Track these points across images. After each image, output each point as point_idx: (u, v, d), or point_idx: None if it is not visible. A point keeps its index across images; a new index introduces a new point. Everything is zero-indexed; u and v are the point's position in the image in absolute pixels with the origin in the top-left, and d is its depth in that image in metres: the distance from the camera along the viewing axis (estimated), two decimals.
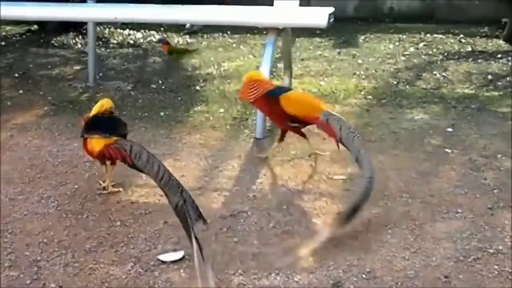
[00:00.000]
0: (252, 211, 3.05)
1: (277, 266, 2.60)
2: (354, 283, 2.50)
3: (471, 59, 5.89)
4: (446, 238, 2.85)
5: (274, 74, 5.19)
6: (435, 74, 5.46)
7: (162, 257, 2.64)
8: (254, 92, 3.52)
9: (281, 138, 3.66)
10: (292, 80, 5.02)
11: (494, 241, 2.82)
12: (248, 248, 2.73)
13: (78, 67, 5.44)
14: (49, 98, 4.66)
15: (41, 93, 4.77)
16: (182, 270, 2.57)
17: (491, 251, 2.75)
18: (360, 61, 5.89)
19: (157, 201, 3.11)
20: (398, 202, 3.17)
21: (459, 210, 3.10)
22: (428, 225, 2.96)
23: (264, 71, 3.93)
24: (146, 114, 4.37)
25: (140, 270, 2.57)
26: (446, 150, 3.85)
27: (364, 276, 2.55)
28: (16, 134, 3.98)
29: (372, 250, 2.74)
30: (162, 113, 4.40)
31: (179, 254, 2.65)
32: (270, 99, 3.51)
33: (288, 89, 3.92)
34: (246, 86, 3.56)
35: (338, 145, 3.32)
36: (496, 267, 2.63)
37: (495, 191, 3.30)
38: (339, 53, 6.20)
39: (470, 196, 3.24)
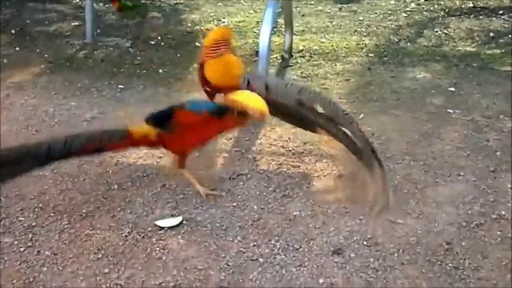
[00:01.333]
0: (251, 173, 2.95)
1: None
2: (355, 250, 2.42)
3: (472, 15, 5.70)
4: (448, 202, 2.76)
5: (275, 30, 5.01)
6: (437, 31, 5.29)
7: (160, 222, 2.55)
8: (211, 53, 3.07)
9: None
10: (293, 37, 4.84)
11: (496, 205, 2.74)
12: (247, 213, 2.62)
13: (76, 23, 5.25)
14: (46, 55, 4.50)
15: (38, 50, 4.60)
16: (179, 236, 2.49)
17: (494, 216, 2.66)
18: (361, 18, 5.70)
19: (155, 163, 3.01)
20: (400, 165, 3.07)
21: (461, 173, 3.00)
22: (430, 188, 2.87)
23: (265, 32, 3.75)
24: (144, 71, 4.22)
25: (137, 236, 2.48)
26: (448, 110, 3.73)
27: (365, 242, 2.47)
28: (12, 93, 3.84)
29: (373, 215, 2.65)
30: (161, 71, 4.26)
31: (177, 220, 2.56)
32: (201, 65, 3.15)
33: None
34: (209, 45, 3.10)
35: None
36: (498, 233, 2.55)
37: (498, 153, 3.20)
38: (340, 9, 6.00)
39: (473, 158, 3.14)
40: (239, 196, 2.75)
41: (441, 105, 3.82)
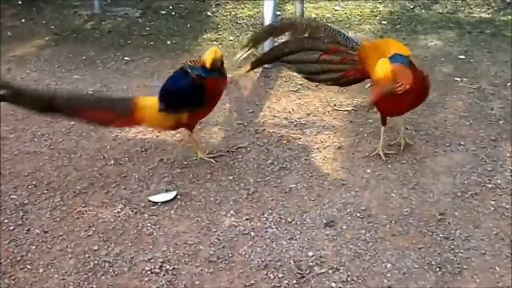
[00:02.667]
0: (251, 146, 2.98)
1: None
2: (347, 222, 2.46)
3: None
4: (446, 172, 2.77)
5: None
6: None
7: (153, 198, 2.59)
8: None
9: None
10: (307, 4, 4.83)
11: (493, 175, 2.74)
12: (243, 187, 2.67)
13: None
14: (52, 27, 4.54)
15: (44, 21, 4.65)
16: (172, 212, 2.54)
17: (490, 185, 2.67)
18: None
19: (155, 137, 3.05)
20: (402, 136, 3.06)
21: (462, 143, 3.00)
22: (429, 159, 2.87)
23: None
24: (152, 43, 4.26)
25: (130, 212, 2.53)
26: (456, 78, 3.70)
27: (358, 214, 2.50)
28: (15, 66, 3.89)
29: (370, 186, 2.68)
30: (169, 42, 4.28)
31: (170, 195, 2.61)
32: None
33: None
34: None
35: None
36: (493, 202, 2.57)
37: (501, 121, 3.19)
38: None
39: (475, 127, 3.13)
40: (237, 170, 2.79)
41: (450, 73, 3.79)
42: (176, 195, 2.62)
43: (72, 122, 3.17)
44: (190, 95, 2.67)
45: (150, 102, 2.69)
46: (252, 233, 2.40)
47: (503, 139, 3.03)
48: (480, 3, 5.04)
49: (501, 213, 2.50)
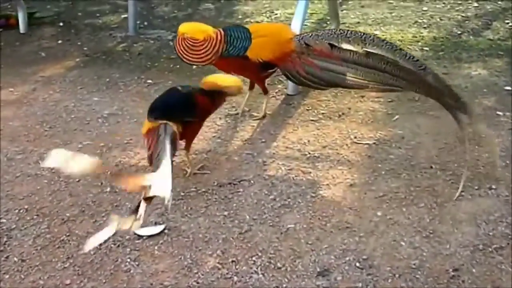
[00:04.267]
0: (256, 179, 2.72)
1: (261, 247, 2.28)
2: (343, 272, 2.15)
3: None
4: (469, 220, 2.42)
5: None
6: (508, 23, 4.79)
7: (140, 231, 2.37)
8: (205, 54, 3.00)
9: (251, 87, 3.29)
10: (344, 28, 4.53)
11: None
12: (236, 224, 2.41)
13: (125, 16, 5.19)
14: (85, 48, 4.45)
15: (79, 43, 4.57)
16: (156, 247, 2.31)
17: None
18: (425, 8, 5.28)
19: None
20: (424, 175, 2.74)
21: (493, 186, 2.63)
22: (452, 203, 2.53)
23: (295, 26, 3.49)
24: (178, 66, 4.08)
25: (112, 245, 2.32)
26: (498, 112, 3.33)
27: (358, 264, 2.19)
28: (40, 87, 3.81)
29: (377, 232, 2.36)
30: (194, 66, 4.07)
31: (157, 229, 2.38)
32: (230, 57, 3.02)
33: (243, 33, 3.10)
34: (189, 45, 2.99)
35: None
36: None
37: None
38: None
39: None
40: (234, 204, 2.54)
41: (491, 106, 3.42)
42: (164, 229, 2.39)
43: (80, 145, 3.05)
44: (181, 102, 2.67)
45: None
46: (235, 278, 2.14)
47: None
48: None
49: None
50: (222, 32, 3.01)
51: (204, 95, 2.71)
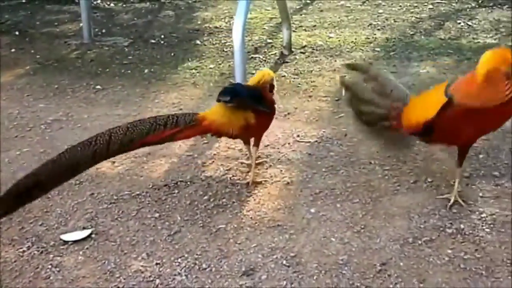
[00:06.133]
0: (192, 180, 2.62)
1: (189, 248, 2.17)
2: (269, 271, 2.04)
3: (506, 6, 5.10)
4: (402, 214, 2.32)
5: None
6: (459, 23, 4.74)
7: (65, 236, 2.25)
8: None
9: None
10: (302, 32, 4.49)
11: (457, 218, 2.28)
12: (167, 226, 2.30)
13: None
14: (38, 56, 4.32)
15: (32, 51, 4.43)
16: (81, 252, 2.18)
17: (450, 231, 2.21)
18: (381, 11, 5.22)
19: (95, 169, 2.71)
20: (362, 171, 2.65)
21: (430, 179, 2.54)
22: (386, 198, 2.44)
23: (237, 26, 3.39)
24: (129, 71, 3.97)
25: (35, 251, 2.19)
26: None
27: (285, 262, 2.08)
28: None
29: (308, 229, 2.26)
30: (146, 70, 3.99)
31: (84, 233, 2.26)
32: None
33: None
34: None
35: None
36: (449, 251, 2.11)
37: (481, 156, 2.73)
38: (363, 2, 5.54)
39: (450, 162, 2.67)
40: (167, 206, 2.43)
41: None
42: (91, 234, 2.26)
43: (18, 152, 2.92)
44: (251, 92, 2.48)
45: (215, 108, 2.48)
46: (157, 281, 2.02)
47: (479, 176, 2.57)
48: (488, 28, 4.58)
49: (457, 265, 2.04)
50: None
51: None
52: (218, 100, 2.41)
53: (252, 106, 2.43)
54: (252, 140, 2.61)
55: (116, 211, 2.41)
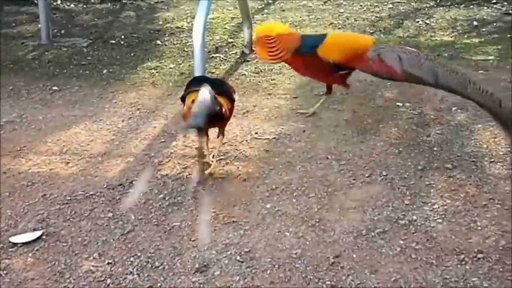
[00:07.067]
0: (148, 179, 2.57)
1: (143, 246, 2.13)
2: (223, 267, 2.02)
3: (463, 5, 5.19)
4: (356, 207, 2.34)
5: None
6: (418, 22, 4.80)
7: (14, 238, 2.19)
8: (279, 50, 2.91)
9: (329, 91, 3.13)
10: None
11: (410, 210, 2.30)
12: (120, 225, 2.26)
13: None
14: None
15: None
16: (30, 254, 2.12)
17: (402, 222, 2.23)
18: (342, 10, 5.26)
19: (48, 170, 2.66)
20: (319, 166, 2.65)
21: (384, 173, 2.56)
22: (341, 192, 2.44)
23: (197, 25, 3.37)
24: (87, 72, 3.91)
25: None
26: (398, 103, 3.28)
27: (239, 257, 2.07)
28: None
29: (263, 224, 2.26)
30: (105, 71, 3.94)
31: (34, 235, 2.20)
32: (303, 55, 2.93)
33: (318, 36, 3.15)
34: (264, 44, 2.93)
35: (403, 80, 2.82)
36: (401, 242, 2.12)
37: (435, 149, 2.76)
38: (325, 2, 5.56)
39: (404, 156, 2.70)
40: (121, 205, 2.39)
41: (392, 98, 3.38)
42: (42, 235, 2.21)
43: None
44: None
45: None
46: (108, 281, 1.98)
47: (432, 168, 2.59)
48: (445, 26, 4.65)
49: (408, 255, 2.05)
50: (299, 33, 3.05)
51: None
52: None
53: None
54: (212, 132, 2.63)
55: (68, 212, 2.36)
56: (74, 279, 1.98)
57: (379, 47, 2.87)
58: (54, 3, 5.57)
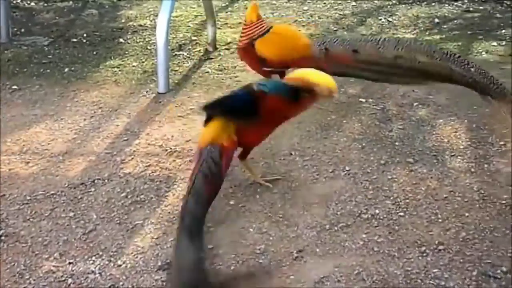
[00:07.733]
0: (110, 178, 2.56)
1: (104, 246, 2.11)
2: None
3: (425, 2, 5.25)
4: (320, 202, 2.34)
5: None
6: (381, 19, 4.85)
7: None
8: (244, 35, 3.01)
9: None
10: (227, 30, 4.48)
11: (373, 204, 2.32)
12: (81, 224, 2.23)
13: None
14: None
15: None
16: None
17: (365, 216, 2.25)
18: (306, 8, 5.27)
19: (8, 170, 2.61)
20: (283, 162, 2.65)
21: (347, 168, 2.57)
22: (305, 187, 2.45)
23: (161, 23, 3.34)
24: (48, 70, 3.84)
25: None
26: (361, 99, 3.31)
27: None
28: None
29: (227, 221, 2.25)
30: (67, 69, 3.87)
31: None
32: (248, 46, 2.98)
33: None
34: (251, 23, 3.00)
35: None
36: (364, 236, 2.13)
37: (396, 143, 2.79)
38: (288, 0, 5.57)
39: (366, 151, 2.72)
40: (83, 205, 2.36)
41: (355, 94, 3.40)
42: (0, 236, 2.17)
43: None
44: (236, 100, 2.26)
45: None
46: (70, 280, 1.96)
47: (394, 162, 2.62)
48: (407, 23, 4.70)
49: (370, 248, 2.08)
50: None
51: (279, 94, 2.24)
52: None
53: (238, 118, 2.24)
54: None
55: (28, 212, 2.32)
56: (34, 280, 1.95)
57: (324, 40, 2.93)
58: (14, 1, 5.44)
